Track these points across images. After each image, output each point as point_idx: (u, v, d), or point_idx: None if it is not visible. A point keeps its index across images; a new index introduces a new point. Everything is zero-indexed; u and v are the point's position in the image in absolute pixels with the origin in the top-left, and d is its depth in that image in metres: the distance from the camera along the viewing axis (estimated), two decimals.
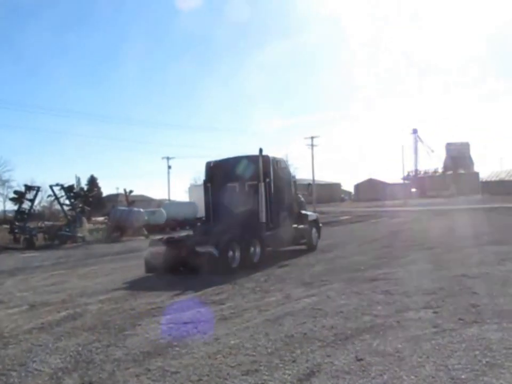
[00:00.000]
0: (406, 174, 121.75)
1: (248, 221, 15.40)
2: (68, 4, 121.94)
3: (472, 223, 28.28)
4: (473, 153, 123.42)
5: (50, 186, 33.32)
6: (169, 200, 62.33)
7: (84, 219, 34.42)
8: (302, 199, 19.63)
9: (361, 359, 5.75)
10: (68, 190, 33.13)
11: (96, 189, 42.92)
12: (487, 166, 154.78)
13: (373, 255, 15.84)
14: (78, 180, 69.08)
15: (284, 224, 16.71)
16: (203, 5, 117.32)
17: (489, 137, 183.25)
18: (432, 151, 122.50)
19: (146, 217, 34.95)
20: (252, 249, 14.87)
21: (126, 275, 14.47)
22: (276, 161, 17.03)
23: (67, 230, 31.62)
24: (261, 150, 15.74)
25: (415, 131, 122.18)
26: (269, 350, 6.31)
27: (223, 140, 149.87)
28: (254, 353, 6.21)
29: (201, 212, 43.03)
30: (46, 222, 35.54)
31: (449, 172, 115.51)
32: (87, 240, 31.68)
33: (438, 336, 6.55)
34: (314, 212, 26.30)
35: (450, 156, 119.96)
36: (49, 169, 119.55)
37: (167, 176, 74.68)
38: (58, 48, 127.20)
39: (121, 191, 63.22)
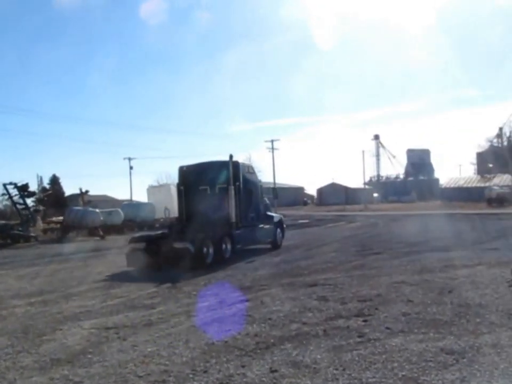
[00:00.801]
0: (368, 179, 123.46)
1: (219, 220, 16.73)
2: (38, 19, 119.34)
3: (426, 229, 28.58)
4: (434, 160, 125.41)
5: (4, 185, 32.58)
6: (131, 200, 61.48)
7: (38, 218, 33.66)
8: (267, 201, 20.95)
9: (275, 371, 5.56)
10: (21, 189, 32.34)
11: (51, 190, 41.82)
12: (446, 173, 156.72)
13: (320, 260, 15.74)
14: (40, 179, 67.75)
15: (251, 224, 18.22)
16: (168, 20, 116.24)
17: (449, 144, 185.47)
18: (394, 156, 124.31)
19: (102, 218, 34.27)
20: (224, 246, 16.10)
21: (66, 276, 14.10)
22: (245, 167, 18.67)
23: (20, 229, 30.86)
24: (231, 156, 17.10)
25: (376, 137, 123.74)
26: (184, 359, 6.08)
27: (189, 142, 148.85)
28: (168, 362, 5.97)
29: (159, 213, 42.93)
30: None
31: (411, 178, 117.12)
32: (40, 240, 31.05)
33: (361, 346, 6.41)
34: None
35: (411, 162, 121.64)
36: (10, 168, 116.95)
37: (129, 177, 74.09)
38: (26, 55, 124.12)
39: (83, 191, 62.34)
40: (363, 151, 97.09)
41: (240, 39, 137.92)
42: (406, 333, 6.97)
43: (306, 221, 47.49)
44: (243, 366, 5.73)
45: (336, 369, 5.56)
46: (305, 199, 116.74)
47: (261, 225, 18.91)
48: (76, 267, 16.53)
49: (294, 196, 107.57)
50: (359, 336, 6.86)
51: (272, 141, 69.87)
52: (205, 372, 5.58)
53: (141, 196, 54.38)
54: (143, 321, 8.14)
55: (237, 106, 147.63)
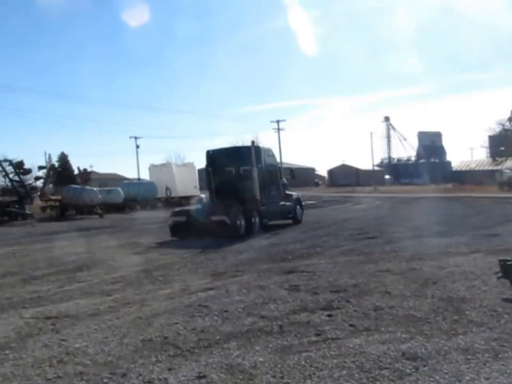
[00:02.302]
0: (379, 161, 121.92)
1: (245, 198, 18.56)
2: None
3: (431, 212, 27.66)
4: (445, 143, 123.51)
5: None
6: (138, 179, 60.92)
7: (36, 196, 33.27)
8: (286, 181, 23.02)
9: (203, 376, 4.84)
10: (17, 166, 31.89)
11: (54, 167, 41.27)
12: (458, 156, 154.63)
13: (309, 244, 15.00)
14: (48, 156, 67.45)
15: (273, 202, 20.28)
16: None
17: (460, 127, 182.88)
18: (405, 139, 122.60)
19: (100, 196, 33.77)
20: (253, 219, 18.12)
21: (41, 257, 13.57)
22: (265, 150, 21.10)
23: (16, 206, 30.46)
24: (253, 142, 20.13)
25: (387, 119, 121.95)
26: (109, 359, 5.38)
27: (197, 123, 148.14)
28: (88, 362, 5.28)
29: (161, 192, 42.39)
30: None
31: (422, 160, 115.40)
32: (38, 218, 30.66)
33: (313, 347, 5.66)
34: None
35: (422, 145, 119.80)
36: (19, 147, 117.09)
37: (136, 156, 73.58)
38: (34, 34, 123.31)
39: (94, 169, 61.83)
40: (371, 133, 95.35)
41: (248, 19, 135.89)
42: (370, 332, 6.21)
43: (313, 202, 46.61)
44: (170, 369, 5.02)
45: (274, 377, 4.82)
46: (316, 180, 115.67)
47: (282, 203, 21.02)
48: (58, 247, 15.97)
49: (305, 177, 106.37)
50: (316, 335, 6.13)
51: (278, 121, 69.14)
52: (124, 375, 4.88)
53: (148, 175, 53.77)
54: (90, 311, 7.47)
55: (244, 87, 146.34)
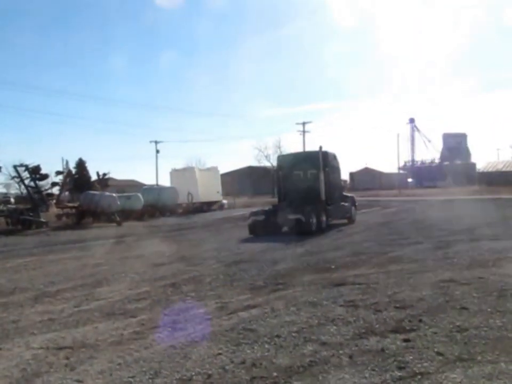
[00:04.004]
0: (402, 163, 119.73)
1: (314, 198, 20.13)
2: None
3: (467, 215, 26.00)
4: (470, 144, 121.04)
5: (15, 167, 31.00)
6: (157, 185, 59.88)
7: (51, 203, 32.15)
8: (343, 184, 25.01)
9: None
10: (33, 171, 30.67)
11: (71, 173, 40.07)
12: (484, 157, 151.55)
13: (350, 251, 13.62)
14: (66, 163, 66.40)
15: (336, 202, 21.72)
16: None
17: (486, 128, 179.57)
18: (429, 141, 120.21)
19: (119, 203, 32.56)
20: (322, 218, 19.64)
21: (55, 270, 12.38)
22: (331, 155, 21.94)
23: (31, 214, 29.31)
24: (320, 147, 20.68)
25: (411, 120, 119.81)
26: None
27: (217, 125, 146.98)
28: None
29: (182, 198, 41.12)
30: (9, 205, 33.10)
31: (446, 162, 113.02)
32: (54, 226, 29.53)
33: None
34: None
35: (447, 147, 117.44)
36: (35, 152, 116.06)
37: (155, 161, 72.52)
38: (47, 36, 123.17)
39: (111, 175, 60.81)
40: (398, 135, 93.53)
41: (268, 22, 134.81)
42: (466, 363, 4.88)
43: None
44: None
45: None
46: None
47: (342, 203, 22.45)
48: (74, 258, 14.76)
49: None
50: (399, 368, 4.80)
51: (303, 123, 67.70)
52: None
53: (167, 181, 52.60)
54: (112, 338, 6.17)
55: (266, 90, 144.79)
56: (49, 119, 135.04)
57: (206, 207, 43.54)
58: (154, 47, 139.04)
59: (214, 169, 47.03)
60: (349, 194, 24.80)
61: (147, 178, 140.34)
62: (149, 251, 15.71)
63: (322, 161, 20.50)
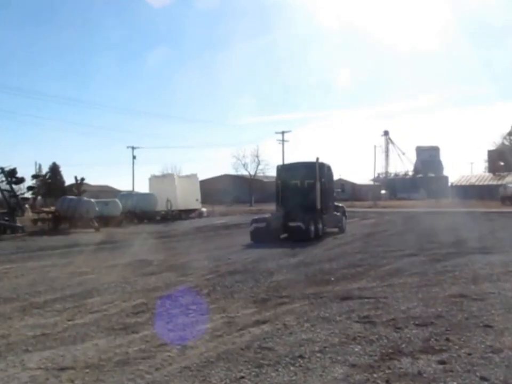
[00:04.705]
0: (376, 175, 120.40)
1: (311, 207, 20.71)
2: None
3: (450, 227, 25.85)
4: (443, 158, 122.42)
5: None
6: (132, 191, 58.86)
7: (27, 207, 31.12)
8: (335, 194, 25.01)
9: None
10: (9, 174, 29.62)
11: (44, 177, 38.96)
12: (457, 171, 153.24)
13: (344, 263, 13.19)
14: (39, 167, 65.08)
15: (330, 211, 22.77)
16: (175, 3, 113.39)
17: (459, 142, 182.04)
18: (403, 153, 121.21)
19: (97, 208, 31.70)
20: (319, 226, 20.58)
21: (39, 278, 11.70)
22: (325, 166, 22.66)
23: (6, 218, 28.27)
24: (317, 158, 21.45)
25: (386, 133, 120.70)
26: None
27: (194, 131, 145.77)
28: None
29: (161, 205, 40.34)
30: None
31: (420, 175, 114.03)
32: (29, 231, 28.52)
33: None
34: None
35: (420, 159, 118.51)
36: (8, 155, 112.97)
37: (131, 167, 71.45)
38: (26, 36, 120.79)
39: (87, 181, 59.62)
40: (375, 146, 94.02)
41: (251, 29, 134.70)
42: None
43: None
44: None
45: None
46: None
47: (335, 213, 23.47)
48: (57, 265, 14.05)
49: None
50: None
51: (283, 132, 67.41)
52: None
53: (143, 187, 51.57)
54: (116, 357, 5.59)
55: (245, 98, 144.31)
56: (24, 120, 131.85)
57: (185, 214, 42.80)
58: (136, 50, 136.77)
59: (193, 177, 46.25)
60: (340, 204, 25.28)
61: (122, 185, 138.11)
62: (134, 259, 15.03)
63: (319, 172, 21.21)
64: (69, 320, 7.37)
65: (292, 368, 5.12)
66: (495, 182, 76.37)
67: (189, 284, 10.41)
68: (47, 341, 6.31)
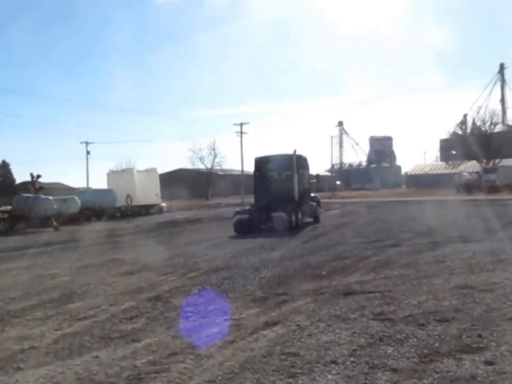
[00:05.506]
0: (330, 166, 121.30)
1: (289, 198, 21.18)
2: None
3: (417, 216, 25.87)
4: (396, 147, 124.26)
5: None
6: (88, 188, 57.08)
7: None
8: (311, 185, 25.83)
9: None
10: None
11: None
12: (410, 160, 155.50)
13: (328, 255, 12.73)
14: None
15: (307, 202, 23.24)
16: None
17: (412, 132, 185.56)
18: (357, 143, 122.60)
19: (55, 206, 30.45)
20: (299, 216, 21.03)
21: (7, 283, 10.83)
22: (302, 158, 23.37)
23: None
24: (295, 150, 22.17)
25: (340, 123, 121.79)
26: None
27: (150, 124, 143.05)
28: None
29: (120, 201, 39.16)
30: None
31: (373, 165, 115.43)
32: None
33: None
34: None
35: (373, 150, 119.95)
36: None
37: (85, 162, 69.29)
38: None
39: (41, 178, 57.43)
40: (331, 137, 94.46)
41: (207, 21, 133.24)
42: None
43: None
44: None
45: None
46: None
47: (311, 203, 23.89)
48: (24, 268, 13.16)
49: None
50: None
51: (241, 124, 66.39)
52: None
53: (98, 183, 50.14)
54: (125, 372, 4.91)
55: (202, 91, 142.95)
56: None
57: (145, 210, 41.74)
58: (87, 42, 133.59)
59: (152, 171, 45.10)
60: (315, 195, 25.77)
61: (74, 181, 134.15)
62: (105, 258, 14.24)
63: (296, 164, 21.77)
64: (56, 330, 6.62)
65: (330, 376, 4.58)
66: (448, 171, 77.63)
67: (174, 284, 9.73)
68: (39, 355, 5.58)
